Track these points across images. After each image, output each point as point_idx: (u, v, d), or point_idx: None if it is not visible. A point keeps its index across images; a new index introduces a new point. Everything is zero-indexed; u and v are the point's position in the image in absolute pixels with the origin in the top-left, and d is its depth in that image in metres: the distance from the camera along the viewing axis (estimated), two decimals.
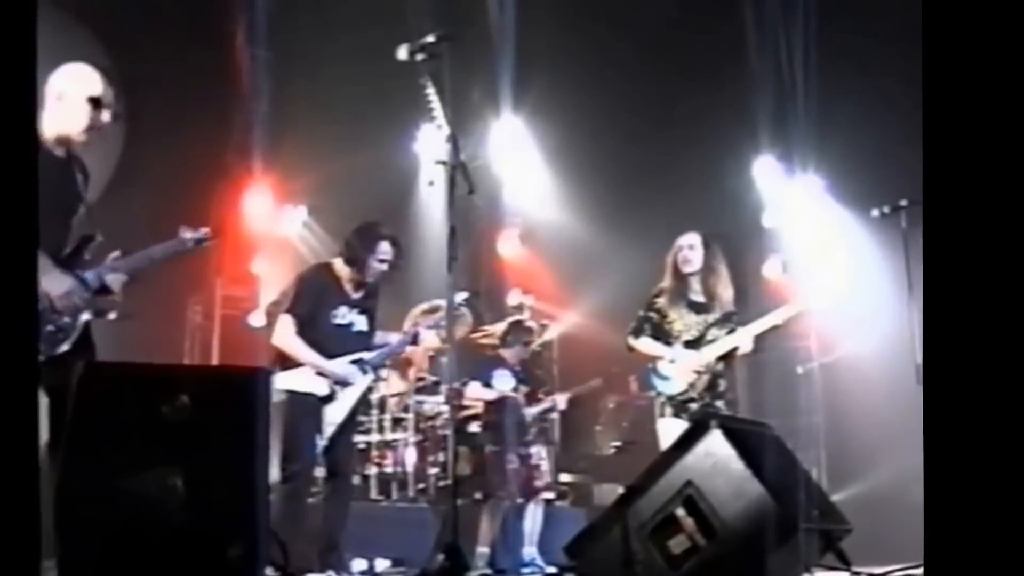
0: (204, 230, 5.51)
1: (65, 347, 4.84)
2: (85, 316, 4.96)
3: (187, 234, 5.46)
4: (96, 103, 5.05)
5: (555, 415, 10.84)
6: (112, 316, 5.12)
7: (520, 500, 8.74)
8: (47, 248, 4.79)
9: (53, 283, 4.80)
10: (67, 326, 4.85)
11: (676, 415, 7.00)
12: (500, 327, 9.64)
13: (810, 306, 7.26)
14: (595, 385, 10.63)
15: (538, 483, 8.94)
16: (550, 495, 9.16)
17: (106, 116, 5.12)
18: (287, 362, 6.67)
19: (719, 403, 7.04)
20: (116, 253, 5.14)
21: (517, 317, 9.52)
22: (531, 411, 9.20)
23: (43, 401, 4.60)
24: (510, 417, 8.87)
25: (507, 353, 9.23)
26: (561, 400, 9.77)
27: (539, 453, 9.09)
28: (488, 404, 8.97)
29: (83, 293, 4.94)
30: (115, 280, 5.10)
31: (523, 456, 8.87)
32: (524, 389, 9.19)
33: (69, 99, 4.98)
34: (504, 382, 9.01)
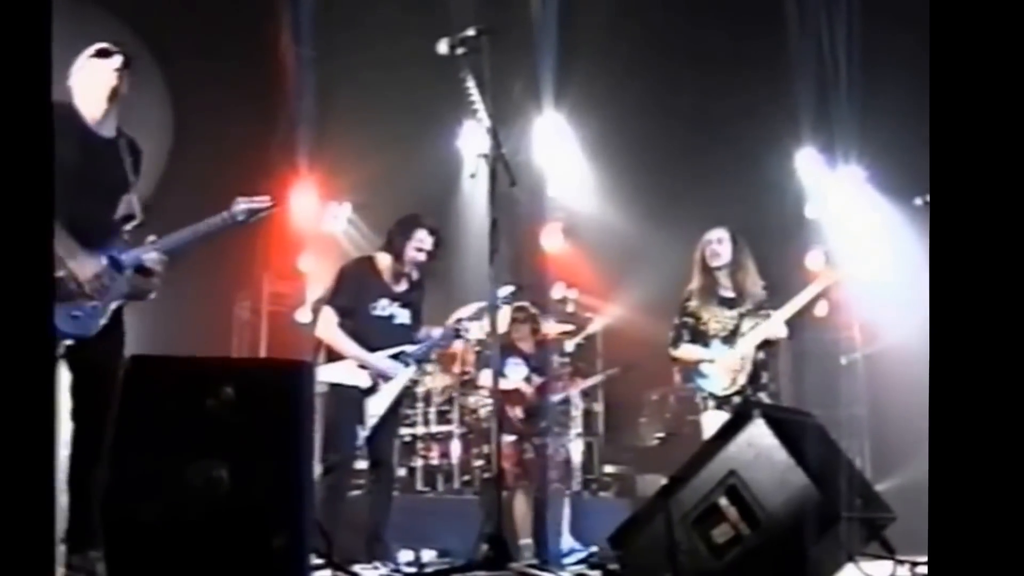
0: (262, 198, 5.32)
1: (94, 330, 4.84)
2: (117, 301, 4.94)
3: (242, 204, 5.27)
4: (120, 60, 5.04)
5: (599, 408, 10.88)
6: (152, 296, 5.11)
7: (537, 494, 8.60)
8: (88, 226, 4.81)
9: (81, 266, 4.80)
10: (96, 309, 4.85)
11: (719, 407, 7.02)
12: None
13: (838, 279, 7.24)
14: (611, 373, 10.58)
15: (552, 475, 8.80)
16: (562, 487, 9.04)
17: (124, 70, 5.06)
18: (332, 354, 6.73)
19: (762, 395, 7.06)
20: (152, 237, 5.09)
21: (520, 303, 9.34)
22: (543, 402, 8.94)
23: (66, 379, 4.66)
24: (521, 407, 8.77)
25: (519, 340, 9.04)
26: (575, 390, 9.66)
27: (554, 444, 8.97)
28: (503, 394, 8.84)
29: (114, 274, 4.91)
30: (154, 260, 5.06)
31: (538, 447, 8.73)
32: (537, 380, 8.96)
33: (87, 67, 5.00)
34: (516, 371, 8.88)
